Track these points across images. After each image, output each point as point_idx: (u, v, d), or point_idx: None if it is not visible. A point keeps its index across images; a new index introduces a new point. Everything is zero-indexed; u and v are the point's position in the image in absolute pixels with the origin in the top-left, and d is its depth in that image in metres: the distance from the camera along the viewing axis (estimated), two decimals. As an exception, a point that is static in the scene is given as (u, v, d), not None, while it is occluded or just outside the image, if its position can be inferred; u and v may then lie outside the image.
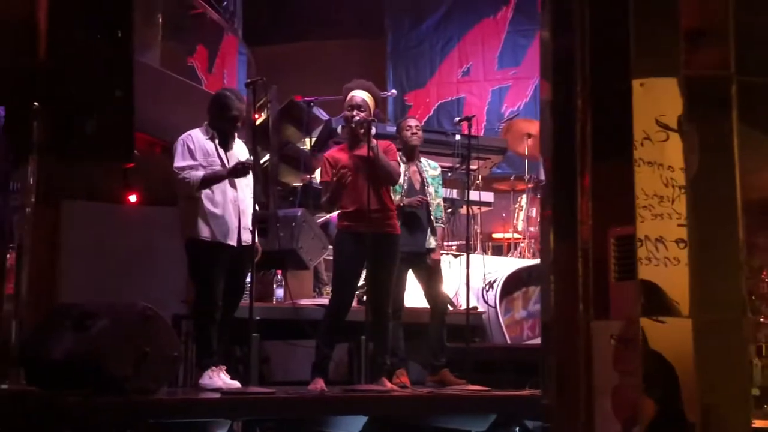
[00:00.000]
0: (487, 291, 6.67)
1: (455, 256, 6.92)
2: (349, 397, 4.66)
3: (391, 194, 5.31)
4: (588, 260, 2.53)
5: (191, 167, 4.85)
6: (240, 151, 5.07)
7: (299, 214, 6.07)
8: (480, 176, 7.67)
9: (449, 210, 6.83)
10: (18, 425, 3.95)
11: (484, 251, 7.87)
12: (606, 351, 2.47)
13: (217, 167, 4.90)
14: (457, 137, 6.88)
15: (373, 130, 5.08)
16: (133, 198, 6.49)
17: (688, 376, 2.34)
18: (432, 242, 5.61)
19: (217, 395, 4.45)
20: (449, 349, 5.59)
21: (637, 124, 2.45)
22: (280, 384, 5.14)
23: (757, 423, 2.54)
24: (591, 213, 2.53)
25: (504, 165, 8.95)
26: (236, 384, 4.74)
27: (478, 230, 7.88)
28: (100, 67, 4.25)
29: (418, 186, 5.63)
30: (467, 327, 5.43)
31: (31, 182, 4.78)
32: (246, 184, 5.04)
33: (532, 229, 8.01)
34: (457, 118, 6.30)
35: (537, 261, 7.25)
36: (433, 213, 5.65)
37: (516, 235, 8.22)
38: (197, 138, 4.95)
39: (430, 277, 5.60)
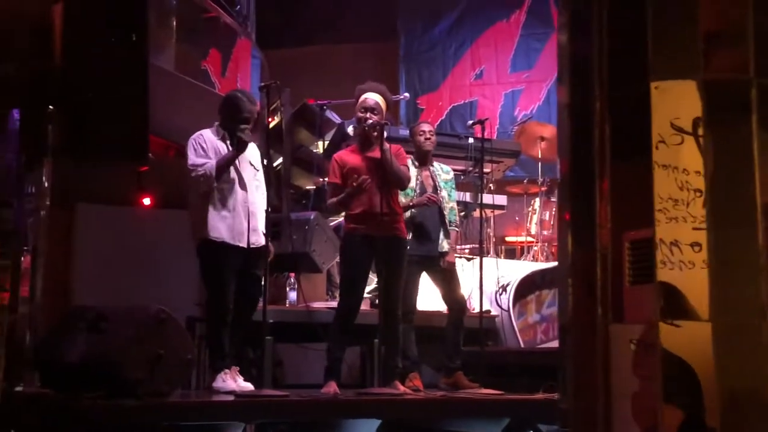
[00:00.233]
0: (500, 294, 6.65)
1: (468, 259, 6.91)
2: (363, 401, 4.65)
3: (402, 198, 5.32)
4: (607, 263, 2.52)
5: (205, 163, 4.86)
6: (251, 152, 5.07)
7: (312, 217, 6.07)
8: (493, 179, 7.66)
9: (462, 213, 6.82)
10: (33, 428, 3.97)
11: (497, 254, 7.86)
12: (625, 355, 2.46)
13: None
14: (470, 140, 6.87)
15: (385, 134, 5.08)
16: (147, 201, 6.50)
17: (708, 380, 2.32)
18: (445, 245, 5.60)
19: (231, 398, 4.45)
20: (463, 353, 5.58)
21: (653, 128, 2.44)
22: (293, 387, 5.14)
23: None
24: (610, 216, 2.51)
25: (517, 168, 8.95)
26: (249, 386, 4.74)
27: (491, 233, 7.87)
28: (115, 70, 4.26)
29: (430, 190, 5.63)
30: (480, 330, 5.42)
31: (46, 185, 4.79)
32: (256, 186, 5.05)
33: (545, 232, 8.00)
34: (471, 121, 6.29)
35: (550, 264, 7.23)
36: (446, 217, 5.64)
37: (529, 239, 8.20)
38: (209, 138, 4.96)
39: (446, 279, 5.59)
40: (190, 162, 4.88)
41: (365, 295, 5.67)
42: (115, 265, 5.99)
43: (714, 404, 2.32)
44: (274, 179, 6.52)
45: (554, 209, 8.00)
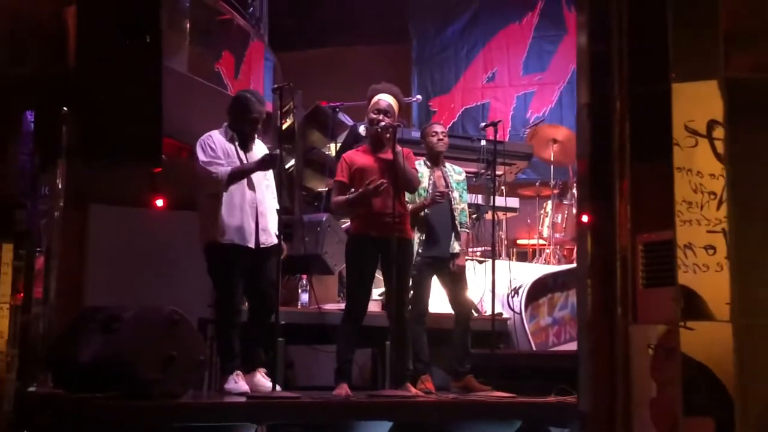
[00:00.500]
0: (512, 297, 6.64)
1: (480, 262, 6.90)
2: (374, 403, 4.65)
3: (416, 198, 5.32)
4: (627, 264, 2.51)
5: (216, 163, 4.86)
6: (260, 153, 5.07)
7: (324, 219, 6.07)
8: (505, 182, 7.64)
9: (474, 215, 6.81)
10: (45, 428, 3.99)
11: (509, 257, 7.83)
12: (643, 357, 2.45)
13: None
14: (483, 143, 6.86)
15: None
16: (159, 202, 6.52)
17: (728, 381, 2.31)
18: (456, 247, 5.59)
19: (243, 399, 4.46)
20: (474, 356, 5.57)
21: (673, 127, 2.43)
22: (304, 389, 5.14)
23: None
24: (630, 216, 2.51)
25: (529, 171, 8.93)
26: (271, 385, 4.70)
27: (504, 236, 7.85)
28: (129, 72, 4.28)
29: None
30: (492, 333, 5.41)
31: (60, 186, 4.83)
32: (266, 186, 5.05)
33: (557, 235, 7.97)
34: (483, 124, 6.29)
35: (562, 267, 7.21)
36: (457, 218, 5.64)
37: (541, 241, 8.18)
38: (217, 139, 4.97)
39: (454, 282, 5.58)
40: (200, 161, 4.88)
41: (377, 297, 5.67)
42: (128, 267, 6.01)
43: (734, 404, 2.30)
44: (286, 181, 6.53)
45: (566, 212, 7.97)
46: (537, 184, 8.53)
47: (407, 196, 5.25)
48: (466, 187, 5.84)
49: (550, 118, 9.71)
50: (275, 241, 4.90)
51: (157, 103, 4.33)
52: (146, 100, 4.31)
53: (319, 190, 7.30)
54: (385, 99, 5.06)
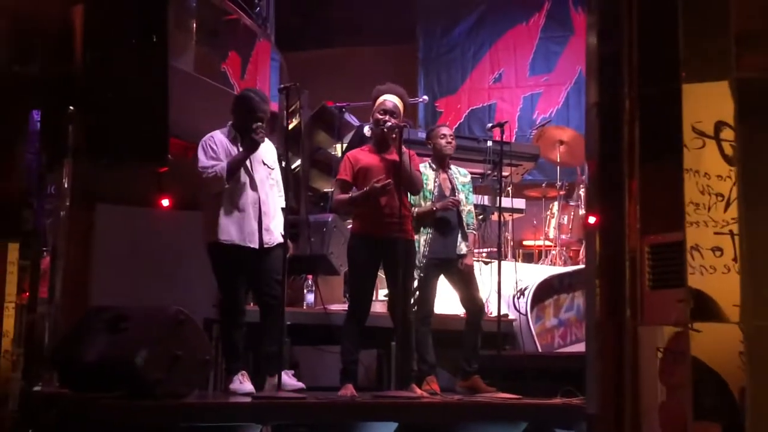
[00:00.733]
0: (518, 298, 6.63)
1: (486, 263, 6.89)
2: (380, 403, 4.64)
3: (422, 202, 5.30)
4: (636, 265, 2.50)
5: (216, 165, 4.86)
6: (264, 151, 5.05)
7: (330, 219, 6.08)
8: (511, 183, 7.63)
9: (480, 216, 6.80)
10: (51, 427, 3.99)
11: (515, 258, 7.82)
12: (652, 359, 2.43)
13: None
14: (489, 143, 6.85)
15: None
16: (165, 202, 6.52)
17: (735, 384, 2.29)
18: (463, 248, 5.58)
19: (248, 399, 4.45)
20: (480, 357, 5.56)
21: (683, 128, 2.42)
22: (310, 389, 5.13)
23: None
24: (639, 217, 2.50)
25: (535, 172, 8.92)
26: (300, 385, 4.62)
27: (510, 237, 7.84)
28: (135, 72, 4.28)
29: (448, 193, 5.61)
30: (498, 334, 5.40)
31: (66, 186, 4.83)
32: (270, 185, 5.03)
33: (563, 236, 7.96)
34: (490, 124, 6.27)
35: (568, 268, 7.20)
36: (464, 220, 5.63)
37: (547, 243, 8.17)
38: (220, 140, 4.96)
39: (464, 282, 5.56)
40: (201, 164, 4.88)
41: (381, 298, 5.66)
42: (134, 266, 6.00)
43: (743, 406, 2.28)
44: (292, 181, 6.53)
45: (573, 213, 7.96)
46: (543, 185, 8.53)
47: (412, 198, 5.24)
48: (471, 189, 5.83)
49: (556, 119, 9.71)
50: (280, 239, 4.89)
51: (164, 103, 4.33)
52: (153, 100, 4.31)
53: (325, 190, 7.30)
54: (391, 99, 5.05)
